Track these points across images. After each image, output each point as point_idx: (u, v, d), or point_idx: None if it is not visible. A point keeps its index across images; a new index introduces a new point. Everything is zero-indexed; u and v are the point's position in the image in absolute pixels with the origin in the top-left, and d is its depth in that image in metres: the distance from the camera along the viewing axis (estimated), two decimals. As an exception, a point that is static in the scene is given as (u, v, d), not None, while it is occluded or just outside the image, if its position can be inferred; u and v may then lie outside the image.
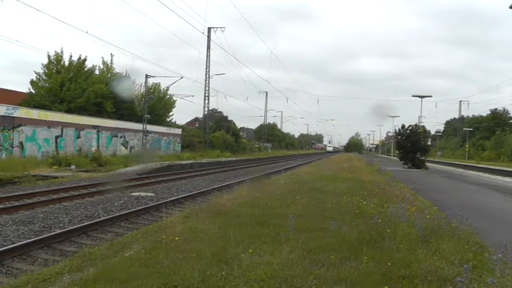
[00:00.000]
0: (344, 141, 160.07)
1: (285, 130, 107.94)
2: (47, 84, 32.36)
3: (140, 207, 10.95)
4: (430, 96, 38.74)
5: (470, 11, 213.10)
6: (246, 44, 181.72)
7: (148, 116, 36.17)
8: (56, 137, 27.40)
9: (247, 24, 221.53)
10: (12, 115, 24.02)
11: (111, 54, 39.91)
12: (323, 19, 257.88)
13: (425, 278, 4.37)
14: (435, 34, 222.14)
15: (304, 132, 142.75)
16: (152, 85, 41.49)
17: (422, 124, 35.28)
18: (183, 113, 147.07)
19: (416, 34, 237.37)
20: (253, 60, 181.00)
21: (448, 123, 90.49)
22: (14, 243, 7.19)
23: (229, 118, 61.85)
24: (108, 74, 38.87)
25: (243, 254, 5.29)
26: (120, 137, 34.78)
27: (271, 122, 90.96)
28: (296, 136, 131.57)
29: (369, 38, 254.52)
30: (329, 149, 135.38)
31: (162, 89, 43.37)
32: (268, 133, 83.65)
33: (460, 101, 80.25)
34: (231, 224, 6.96)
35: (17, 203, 11.20)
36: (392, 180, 17.16)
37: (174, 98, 45.51)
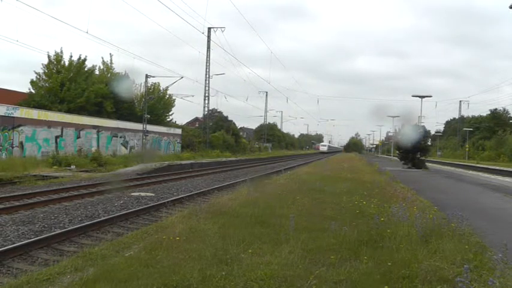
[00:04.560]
0: (344, 141, 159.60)
1: (285, 130, 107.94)
2: (47, 84, 32.37)
3: (140, 207, 10.94)
4: (430, 96, 38.68)
5: (469, 9, 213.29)
6: (244, 43, 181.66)
7: (148, 116, 36.16)
8: (56, 137, 27.39)
9: (242, 23, 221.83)
10: (12, 115, 24.01)
11: (110, 54, 39.99)
12: (319, 18, 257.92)
13: (425, 278, 4.37)
14: (434, 33, 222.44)
15: (304, 132, 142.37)
16: (152, 85, 41.54)
17: (422, 124, 35.22)
18: (183, 113, 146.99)
19: (414, 33, 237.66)
20: (252, 60, 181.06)
21: (448, 123, 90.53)
22: (14, 243, 7.19)
23: (229, 118, 61.85)
24: (108, 74, 38.87)
25: (243, 254, 5.30)
26: (120, 137, 34.77)
27: (271, 122, 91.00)
28: (296, 136, 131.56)
29: (365, 37, 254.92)
30: (323, 149, 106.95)
31: (161, 89, 43.42)
32: (268, 133, 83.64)
33: (460, 101, 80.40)
34: (231, 224, 6.97)
35: (17, 203, 11.20)
36: (392, 180, 17.17)
37: (174, 98, 45.58)
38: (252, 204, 8.92)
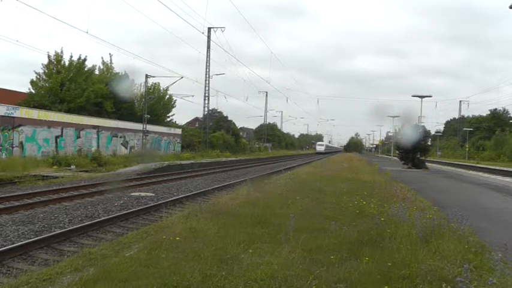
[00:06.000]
0: (344, 141, 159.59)
1: (285, 130, 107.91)
2: (47, 84, 32.37)
3: (140, 207, 10.94)
4: (430, 96, 38.59)
5: (469, 9, 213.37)
6: (243, 43, 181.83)
7: (148, 116, 36.18)
8: (56, 137, 27.41)
9: (241, 23, 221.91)
10: (12, 115, 24.02)
11: (110, 54, 40.03)
12: (318, 17, 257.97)
13: (425, 278, 4.36)
14: (433, 32, 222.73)
15: (304, 132, 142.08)
16: (152, 85, 41.57)
17: (422, 124, 35.24)
18: (183, 113, 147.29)
19: (413, 32, 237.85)
20: (250, 60, 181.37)
21: (448, 123, 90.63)
22: (14, 243, 7.19)
23: (229, 118, 61.97)
24: (107, 74, 38.88)
25: (243, 254, 5.29)
26: (120, 137, 34.78)
27: (271, 122, 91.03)
28: (296, 136, 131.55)
29: (365, 36, 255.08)
30: (319, 149, 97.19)
31: (162, 88, 43.45)
32: (268, 133, 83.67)
33: (460, 101, 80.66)
34: (231, 224, 6.97)
35: (17, 203, 11.19)
36: (393, 180, 17.17)
37: (174, 98, 45.62)
38: (252, 204, 8.91)
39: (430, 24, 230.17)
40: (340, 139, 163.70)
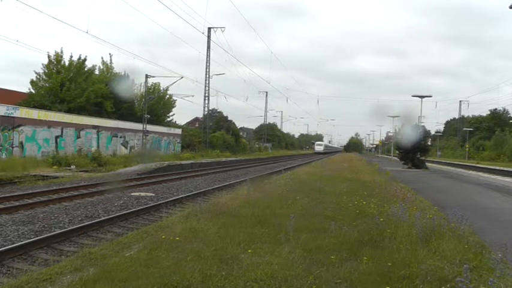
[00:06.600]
0: (344, 141, 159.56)
1: (285, 130, 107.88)
2: (47, 84, 32.38)
3: (140, 207, 10.94)
4: (430, 96, 38.52)
5: (468, 9, 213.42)
6: (243, 43, 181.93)
7: (148, 116, 36.18)
8: (56, 137, 27.41)
9: (240, 23, 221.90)
10: (12, 115, 24.02)
11: (110, 54, 40.06)
12: (317, 17, 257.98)
13: (425, 278, 4.37)
14: (433, 32, 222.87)
15: (304, 132, 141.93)
16: (152, 85, 41.58)
17: (422, 124, 35.24)
18: (183, 113, 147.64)
19: (413, 32, 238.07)
20: (250, 60, 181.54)
21: (448, 123, 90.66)
22: (14, 243, 7.18)
23: (229, 118, 62.01)
24: (107, 74, 38.90)
25: (243, 254, 5.30)
26: (120, 137, 34.78)
27: (271, 122, 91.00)
28: (296, 136, 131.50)
29: (365, 36, 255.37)
30: (318, 149, 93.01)
31: (162, 88, 43.46)
32: (268, 133, 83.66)
33: (460, 101, 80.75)
34: (231, 224, 6.96)
35: (17, 203, 11.19)
36: (392, 180, 17.16)
37: (174, 98, 45.64)
38: (252, 204, 8.92)
39: (430, 24, 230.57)
40: (340, 139, 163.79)
